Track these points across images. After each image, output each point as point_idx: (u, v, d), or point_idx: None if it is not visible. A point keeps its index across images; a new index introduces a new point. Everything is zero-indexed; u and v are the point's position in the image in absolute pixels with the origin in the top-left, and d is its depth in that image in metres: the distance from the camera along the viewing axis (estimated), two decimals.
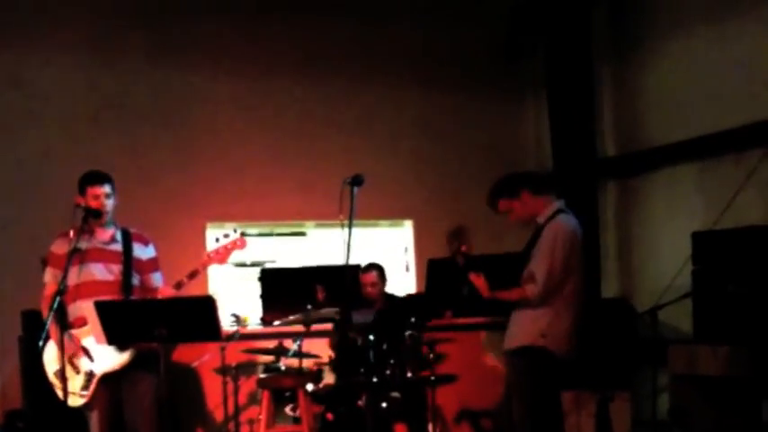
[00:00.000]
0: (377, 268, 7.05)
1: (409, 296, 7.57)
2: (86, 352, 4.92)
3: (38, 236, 5.87)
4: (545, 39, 8.27)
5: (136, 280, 5.10)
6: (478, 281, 5.05)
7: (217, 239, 5.16)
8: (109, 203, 5.02)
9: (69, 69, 7.67)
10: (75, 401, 4.92)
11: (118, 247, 5.07)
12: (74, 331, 4.91)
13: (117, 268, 5.03)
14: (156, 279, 5.18)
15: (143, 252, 5.16)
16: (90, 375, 4.93)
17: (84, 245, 4.95)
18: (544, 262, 4.88)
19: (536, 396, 4.97)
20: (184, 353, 6.76)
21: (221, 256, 5.10)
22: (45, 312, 4.84)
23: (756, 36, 6.63)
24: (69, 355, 4.86)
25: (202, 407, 7.09)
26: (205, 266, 5.14)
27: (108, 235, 5.07)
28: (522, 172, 5.36)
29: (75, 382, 4.92)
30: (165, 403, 4.73)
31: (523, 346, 4.96)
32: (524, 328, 4.97)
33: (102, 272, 4.99)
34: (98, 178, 5.02)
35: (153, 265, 5.21)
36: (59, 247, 4.99)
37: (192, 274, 5.02)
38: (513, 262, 5.12)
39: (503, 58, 8.89)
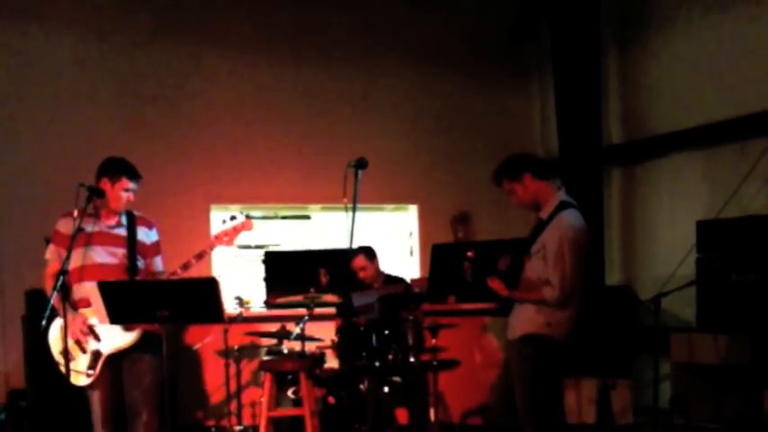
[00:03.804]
0: (362, 251, 6.85)
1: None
2: (93, 331, 4.92)
3: (41, 215, 5.88)
4: (552, 23, 8.24)
5: (141, 263, 5.10)
6: (495, 284, 5.03)
7: (224, 221, 5.19)
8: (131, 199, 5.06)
9: (72, 48, 7.66)
10: (81, 381, 4.92)
11: (122, 231, 5.06)
12: (81, 310, 4.92)
13: (121, 252, 5.02)
14: (158, 263, 5.20)
15: (147, 236, 5.16)
16: (97, 355, 4.92)
17: (89, 228, 4.94)
18: (557, 268, 4.82)
19: (540, 383, 4.96)
20: (187, 335, 6.79)
21: (229, 237, 5.14)
22: (48, 290, 4.84)
23: (764, 24, 6.60)
24: (76, 335, 4.87)
25: (204, 389, 7.12)
26: (212, 248, 5.19)
27: (114, 219, 5.07)
28: (525, 154, 5.27)
29: (82, 362, 4.92)
30: (166, 384, 4.73)
31: (528, 334, 4.94)
32: (529, 317, 4.95)
33: (105, 256, 4.98)
34: (136, 173, 5.02)
35: (156, 249, 5.21)
36: (65, 227, 4.95)
37: (200, 255, 5.06)
38: (519, 248, 5.09)
39: (509, 42, 8.86)
